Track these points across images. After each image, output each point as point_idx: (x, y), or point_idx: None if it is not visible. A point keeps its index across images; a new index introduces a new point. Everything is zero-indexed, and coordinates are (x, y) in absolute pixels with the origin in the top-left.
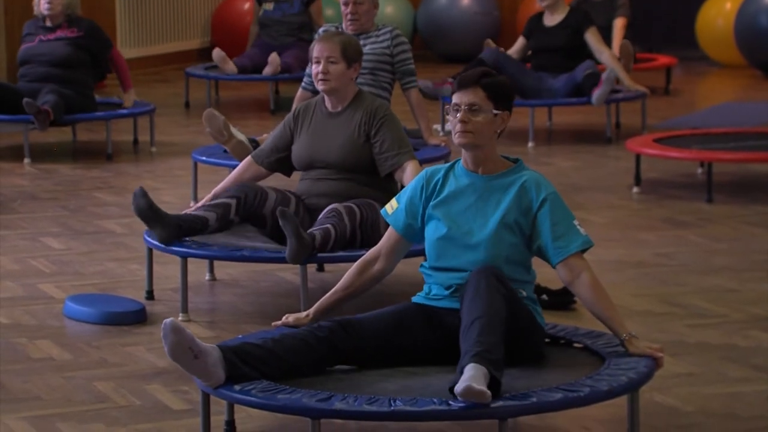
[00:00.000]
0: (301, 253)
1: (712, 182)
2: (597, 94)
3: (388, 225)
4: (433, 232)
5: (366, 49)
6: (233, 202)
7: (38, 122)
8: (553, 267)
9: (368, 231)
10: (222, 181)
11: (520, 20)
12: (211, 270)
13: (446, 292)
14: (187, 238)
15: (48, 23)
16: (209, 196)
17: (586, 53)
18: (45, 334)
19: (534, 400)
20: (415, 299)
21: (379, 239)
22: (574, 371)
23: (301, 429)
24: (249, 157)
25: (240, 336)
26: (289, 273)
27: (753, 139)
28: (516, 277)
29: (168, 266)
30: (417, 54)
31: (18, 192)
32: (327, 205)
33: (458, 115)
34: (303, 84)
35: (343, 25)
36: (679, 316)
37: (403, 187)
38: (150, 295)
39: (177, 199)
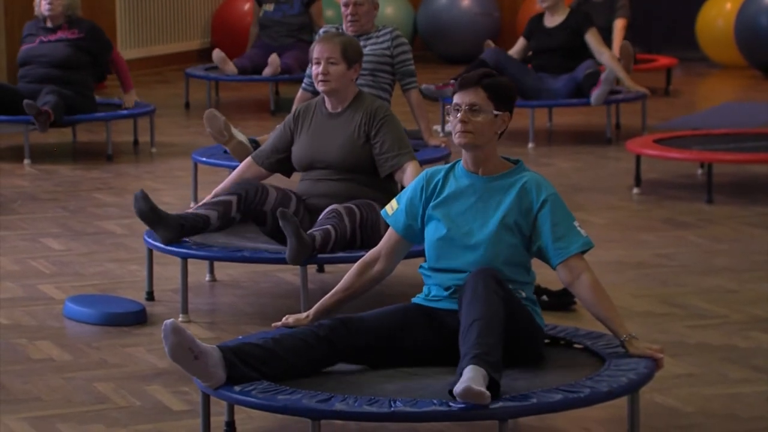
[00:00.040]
0: (302, 253)
1: (713, 183)
2: (596, 94)
3: (388, 226)
4: (432, 232)
5: (366, 50)
6: (234, 199)
7: (39, 123)
8: (553, 268)
9: (368, 232)
10: (222, 182)
11: (521, 21)
12: (212, 271)
13: (445, 293)
14: (188, 239)
15: (49, 24)
16: (209, 196)
17: (586, 54)
18: (45, 334)
19: (534, 401)
20: (414, 300)
21: (379, 240)
22: (574, 372)
23: (301, 430)
24: (249, 158)
25: (240, 337)
26: (289, 274)
27: (753, 140)
28: (515, 278)
29: (168, 267)
30: (417, 55)
31: (18, 193)
32: (327, 206)
33: (458, 115)
34: (303, 85)
35: (344, 27)
36: (679, 316)
37: (403, 187)
38: (150, 296)
39: (177, 200)
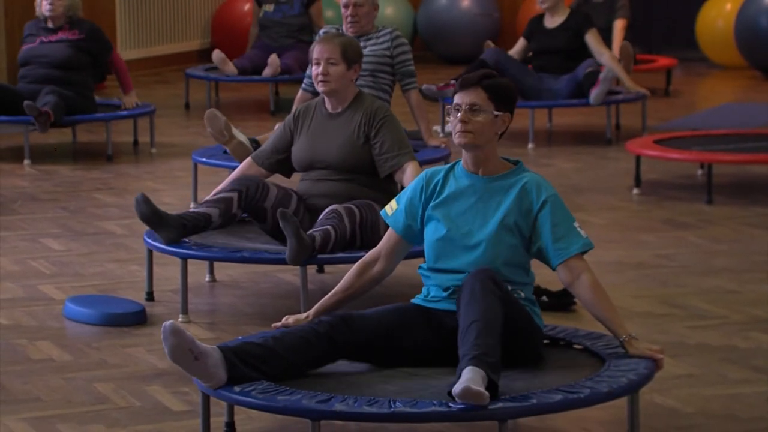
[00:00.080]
0: (301, 254)
1: (712, 183)
2: (594, 93)
3: (388, 226)
4: (432, 233)
5: (366, 51)
6: (235, 195)
7: (39, 124)
8: (553, 269)
9: (368, 232)
10: (222, 182)
11: (520, 22)
12: (211, 271)
13: (444, 294)
14: (188, 239)
15: (50, 25)
16: (210, 196)
17: (586, 55)
18: (45, 335)
19: (534, 401)
20: (414, 301)
21: (379, 240)
22: (574, 373)
23: (301, 430)
24: (249, 158)
25: (240, 337)
26: (289, 274)
27: (753, 141)
28: (515, 278)
29: (168, 267)
30: (417, 55)
31: (18, 193)
32: (327, 206)
33: (459, 115)
34: (303, 85)
35: (344, 27)
36: (679, 317)
37: (403, 188)
38: (150, 297)
39: (177, 200)
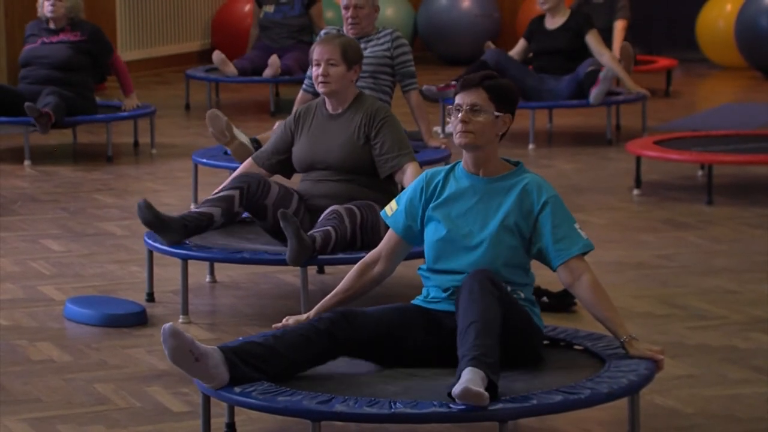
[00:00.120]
0: (302, 254)
1: (713, 184)
2: (594, 92)
3: (388, 227)
4: (432, 233)
5: (366, 53)
6: (236, 193)
7: (40, 125)
8: (554, 269)
9: (368, 233)
10: (223, 183)
11: (521, 22)
12: (212, 272)
13: (444, 295)
14: (187, 240)
15: (51, 26)
16: (211, 196)
17: (587, 55)
18: (45, 336)
19: (534, 402)
20: (414, 302)
21: (380, 241)
22: (574, 373)
23: (302, 431)
24: (250, 159)
25: (240, 338)
26: (289, 275)
27: (753, 142)
28: (515, 279)
29: (168, 268)
30: (417, 56)
31: (18, 194)
32: (327, 207)
33: (459, 115)
34: (304, 86)
35: (344, 29)
36: (679, 317)
37: (403, 188)
38: (150, 297)
39: (177, 201)
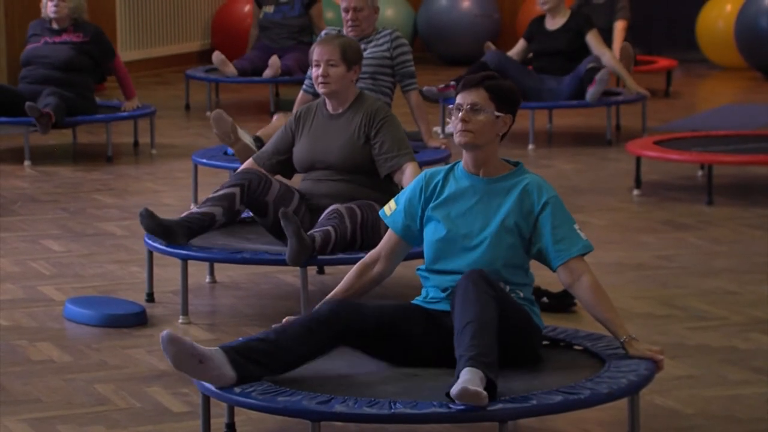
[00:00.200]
0: (302, 254)
1: (713, 185)
2: (591, 92)
3: (388, 227)
4: (432, 233)
5: (366, 54)
6: (237, 190)
7: (40, 125)
8: (553, 270)
9: (369, 232)
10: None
11: (521, 23)
12: (212, 272)
13: (443, 295)
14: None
15: (54, 26)
16: (212, 194)
17: (587, 55)
18: (45, 336)
19: (534, 402)
20: (413, 303)
21: (380, 241)
22: (574, 374)
23: (301, 431)
24: (250, 159)
25: (241, 338)
26: (289, 275)
27: (753, 142)
28: (514, 279)
29: (168, 268)
30: (417, 56)
31: (18, 194)
32: (328, 206)
33: (460, 114)
34: (304, 86)
35: (344, 31)
36: (679, 318)
37: (402, 188)
38: (150, 298)
39: (177, 202)
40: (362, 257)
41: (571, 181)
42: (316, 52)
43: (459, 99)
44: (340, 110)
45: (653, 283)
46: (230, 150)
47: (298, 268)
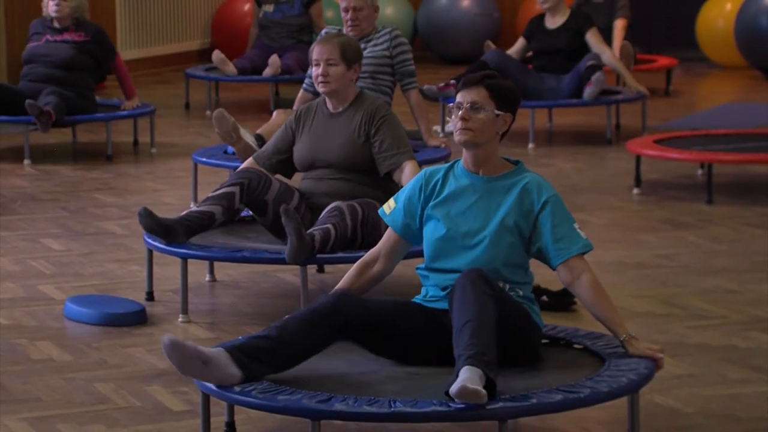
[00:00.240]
0: (301, 252)
1: (713, 183)
2: (587, 91)
3: (388, 225)
4: (431, 232)
5: (366, 53)
6: (236, 189)
7: (40, 123)
8: (553, 269)
9: (369, 230)
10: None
11: (521, 22)
12: (211, 271)
13: (443, 294)
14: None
15: (56, 25)
16: (212, 193)
17: (587, 54)
18: (45, 335)
19: (534, 401)
20: (413, 301)
21: (380, 239)
22: (574, 372)
23: (301, 430)
24: (250, 158)
25: (241, 337)
26: (289, 274)
27: (753, 141)
28: (513, 278)
29: (168, 267)
30: (417, 55)
31: (18, 193)
32: (328, 205)
33: (460, 112)
34: (304, 85)
35: (344, 31)
36: (679, 317)
37: (402, 187)
38: (150, 297)
39: (177, 200)
40: (362, 256)
41: (571, 180)
42: (315, 52)
43: (459, 97)
44: (341, 109)
45: (653, 281)
46: (230, 149)
47: (298, 267)
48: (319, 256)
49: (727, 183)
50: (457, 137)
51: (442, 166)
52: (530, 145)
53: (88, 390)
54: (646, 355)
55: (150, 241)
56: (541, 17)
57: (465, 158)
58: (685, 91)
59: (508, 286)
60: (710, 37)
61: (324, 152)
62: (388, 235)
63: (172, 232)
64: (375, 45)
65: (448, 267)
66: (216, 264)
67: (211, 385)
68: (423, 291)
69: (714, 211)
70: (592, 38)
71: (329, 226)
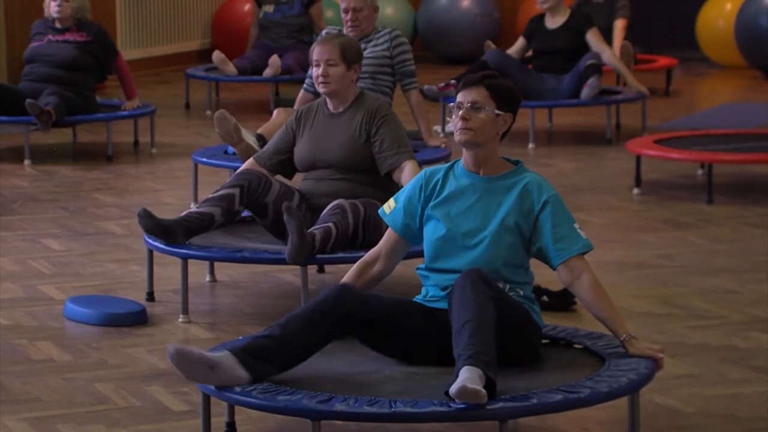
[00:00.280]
0: (302, 251)
1: (713, 183)
2: (584, 92)
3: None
4: (432, 232)
5: (366, 53)
6: (237, 191)
7: (40, 123)
8: (553, 268)
9: (370, 229)
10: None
11: (521, 22)
12: (212, 271)
13: (443, 294)
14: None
15: (58, 25)
16: (212, 194)
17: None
18: (45, 335)
19: (534, 401)
20: (414, 301)
21: (380, 239)
22: (574, 372)
23: (302, 430)
24: (251, 159)
25: (241, 337)
26: (289, 274)
27: (753, 141)
28: (514, 278)
29: (168, 267)
30: (417, 55)
31: (18, 193)
32: (328, 205)
33: (460, 112)
34: (305, 86)
35: (344, 31)
36: (679, 317)
37: (402, 186)
38: (150, 297)
39: (177, 201)
40: (362, 256)
41: (571, 180)
42: (315, 52)
43: (459, 97)
44: (341, 109)
45: (653, 281)
46: (230, 149)
47: (298, 267)
48: (319, 256)
49: (727, 183)
50: (457, 137)
51: (442, 166)
52: (530, 145)
53: (88, 390)
54: (646, 355)
55: (150, 241)
56: (541, 17)
57: (465, 158)
58: (685, 91)
59: (508, 286)
60: (710, 37)
61: (325, 152)
62: (388, 235)
63: (171, 233)
64: (375, 45)
65: (449, 267)
66: (216, 264)
67: (212, 386)
68: (423, 291)
69: (714, 211)
70: (593, 38)
71: (330, 224)
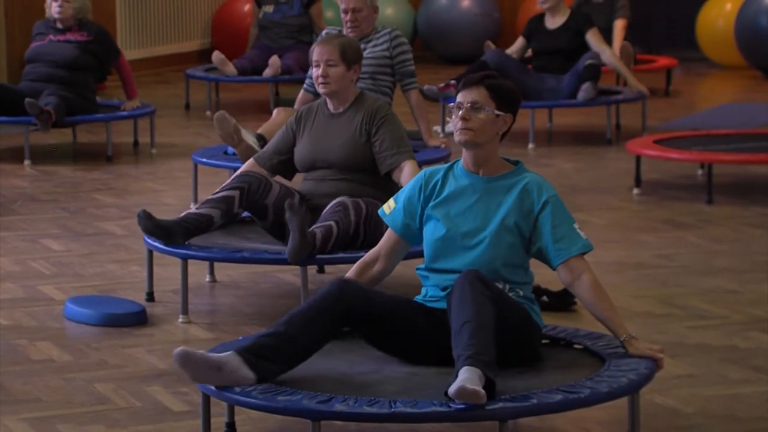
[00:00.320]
0: (303, 249)
1: (713, 183)
2: (579, 96)
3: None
4: (431, 232)
5: (366, 53)
6: (236, 193)
7: (40, 123)
8: (553, 269)
9: (371, 228)
10: (223, 184)
11: (521, 22)
12: (212, 272)
13: (442, 294)
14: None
15: (59, 25)
16: (212, 195)
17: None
18: (45, 335)
19: (534, 401)
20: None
21: (381, 238)
22: (574, 372)
23: (302, 430)
24: (251, 159)
25: (241, 338)
26: (289, 274)
27: (753, 141)
28: (514, 278)
29: (168, 268)
30: (417, 55)
31: (18, 193)
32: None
33: (460, 112)
34: (305, 86)
35: (344, 32)
36: (679, 317)
37: (402, 187)
38: (150, 297)
39: (177, 201)
40: (363, 256)
41: (571, 180)
42: (315, 52)
43: (459, 97)
44: (341, 109)
45: (653, 282)
46: (230, 149)
47: (298, 267)
48: (319, 256)
49: (727, 183)
50: (457, 137)
51: (442, 167)
52: (530, 145)
53: (88, 390)
54: (646, 355)
55: (150, 241)
56: (541, 17)
57: (465, 158)
58: (685, 91)
59: (508, 287)
60: (710, 37)
61: (325, 153)
62: (388, 235)
63: (170, 234)
64: (375, 45)
65: (448, 267)
66: (216, 264)
67: (212, 386)
68: (423, 291)
69: (714, 211)
70: (593, 38)
71: (332, 223)
